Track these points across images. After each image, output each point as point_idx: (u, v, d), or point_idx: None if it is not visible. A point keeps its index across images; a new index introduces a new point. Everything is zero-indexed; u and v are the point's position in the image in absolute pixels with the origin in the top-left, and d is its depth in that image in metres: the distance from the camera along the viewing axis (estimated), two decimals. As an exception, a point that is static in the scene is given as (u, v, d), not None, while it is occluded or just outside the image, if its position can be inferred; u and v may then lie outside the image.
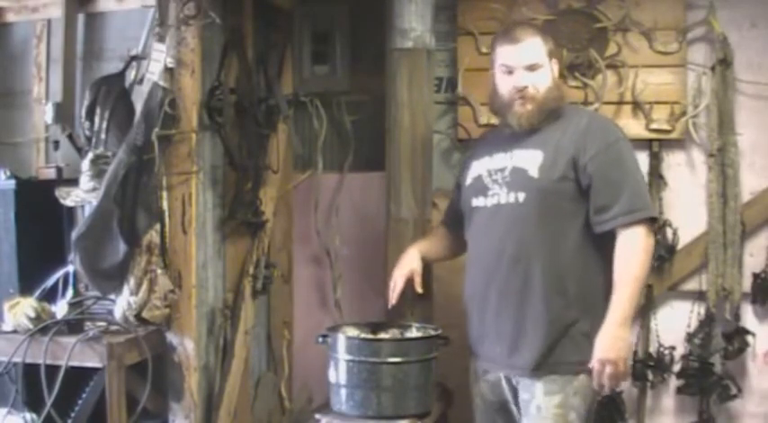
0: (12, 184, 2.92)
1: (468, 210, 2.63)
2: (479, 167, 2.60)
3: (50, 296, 2.84)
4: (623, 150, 2.46)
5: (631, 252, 2.36)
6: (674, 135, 3.31)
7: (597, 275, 2.46)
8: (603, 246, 2.44)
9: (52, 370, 2.57)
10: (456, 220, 2.78)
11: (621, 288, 2.35)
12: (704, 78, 3.30)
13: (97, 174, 2.75)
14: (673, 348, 3.33)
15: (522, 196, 2.44)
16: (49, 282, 2.86)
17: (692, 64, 3.32)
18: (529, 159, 2.46)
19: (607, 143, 2.43)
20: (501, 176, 2.50)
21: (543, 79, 2.49)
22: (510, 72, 2.50)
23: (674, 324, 3.34)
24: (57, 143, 3.21)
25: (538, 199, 2.42)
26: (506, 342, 2.49)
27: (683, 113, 3.29)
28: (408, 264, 2.81)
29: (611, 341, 2.34)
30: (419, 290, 2.81)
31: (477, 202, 2.57)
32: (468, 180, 2.63)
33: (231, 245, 3.27)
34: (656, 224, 2.64)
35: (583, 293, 2.44)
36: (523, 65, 2.47)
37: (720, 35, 3.25)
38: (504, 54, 2.51)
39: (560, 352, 2.43)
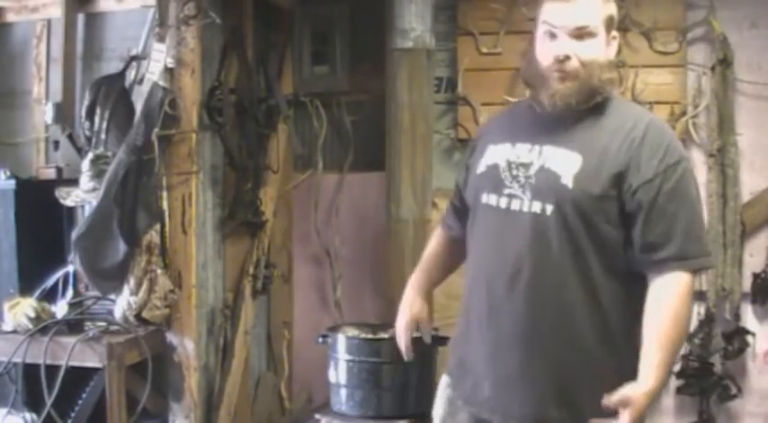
0: (12, 184, 2.92)
1: (474, 203, 2.06)
2: (497, 154, 2.01)
3: (50, 296, 2.84)
4: (686, 176, 1.89)
5: (676, 306, 1.82)
6: (674, 135, 3.31)
7: (629, 315, 1.91)
8: (632, 280, 1.92)
9: (52, 370, 2.57)
10: (461, 214, 2.21)
11: (661, 350, 1.80)
12: (704, 78, 3.30)
13: (97, 174, 2.75)
14: (673, 348, 3.32)
15: (549, 208, 1.87)
16: (49, 282, 2.86)
17: (692, 64, 3.32)
18: (563, 162, 1.89)
19: (667, 165, 1.85)
20: (524, 175, 1.93)
21: (593, 51, 1.89)
22: (553, 35, 1.90)
23: (674, 324, 3.34)
24: (57, 143, 3.21)
25: (570, 215, 1.86)
26: (508, 389, 1.95)
27: (683, 113, 3.29)
28: (408, 310, 2.27)
29: (646, 402, 1.78)
30: (427, 340, 2.36)
31: (489, 198, 1.98)
32: (481, 167, 2.03)
33: (231, 245, 3.27)
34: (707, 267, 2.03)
35: (623, 336, 1.92)
36: (571, 27, 1.88)
37: (720, 35, 3.25)
38: (550, 10, 1.93)
39: (581, 403, 1.89)
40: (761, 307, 3.28)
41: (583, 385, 1.88)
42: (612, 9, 1.94)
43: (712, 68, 3.28)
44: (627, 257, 1.88)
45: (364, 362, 2.66)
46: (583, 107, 1.91)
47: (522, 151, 1.95)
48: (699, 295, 3.32)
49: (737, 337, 3.25)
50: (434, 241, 2.33)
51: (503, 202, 1.95)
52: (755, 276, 3.27)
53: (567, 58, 1.88)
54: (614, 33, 1.95)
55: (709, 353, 3.25)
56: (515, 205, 1.93)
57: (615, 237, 1.87)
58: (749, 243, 3.29)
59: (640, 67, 3.31)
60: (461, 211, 2.18)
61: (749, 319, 3.30)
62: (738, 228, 3.26)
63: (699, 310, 3.32)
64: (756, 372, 3.31)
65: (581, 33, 1.87)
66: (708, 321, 3.28)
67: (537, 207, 1.90)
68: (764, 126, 3.29)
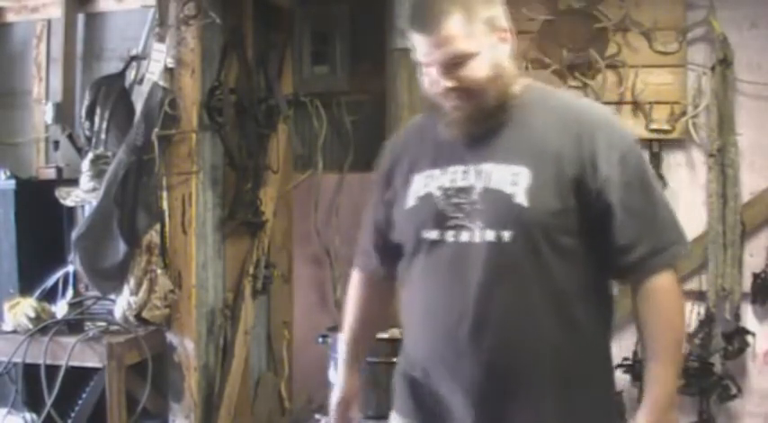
0: (12, 184, 2.92)
1: (412, 242, 1.73)
2: (425, 183, 1.73)
3: (50, 296, 2.84)
4: (643, 160, 1.70)
5: (665, 312, 1.64)
6: (674, 135, 3.31)
7: (605, 343, 1.75)
8: (604, 297, 1.75)
9: (52, 370, 2.57)
10: (387, 254, 1.87)
11: (664, 361, 1.62)
12: (704, 78, 3.30)
13: (97, 174, 2.75)
14: (673, 348, 3.32)
15: (506, 234, 1.61)
16: (49, 282, 2.86)
17: (692, 64, 3.32)
18: (509, 178, 1.63)
19: (622, 154, 1.64)
20: (467, 201, 1.66)
21: (479, 69, 1.63)
22: (430, 66, 1.66)
23: (674, 324, 3.34)
24: (57, 143, 3.21)
25: (533, 238, 1.61)
26: None
27: (683, 113, 3.29)
28: (341, 390, 2.01)
29: None
30: (354, 418, 2.04)
31: (431, 234, 1.69)
32: (411, 200, 1.74)
33: (231, 245, 3.27)
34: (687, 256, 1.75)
35: (597, 382, 1.72)
36: (441, 61, 1.63)
37: (720, 35, 3.25)
38: (416, 44, 1.67)
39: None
40: (761, 307, 3.28)
41: (583, 409, 1.67)
42: (490, 9, 1.67)
43: (712, 68, 3.28)
44: (595, 269, 1.67)
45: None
46: (493, 121, 1.68)
47: (457, 175, 1.69)
48: (699, 295, 3.32)
49: (737, 337, 3.25)
50: (357, 295, 1.96)
51: (449, 236, 1.67)
52: (755, 276, 3.27)
53: (450, 89, 1.64)
54: (503, 28, 1.68)
55: (709, 353, 3.25)
56: (464, 237, 1.65)
57: (577, 250, 1.65)
58: (749, 243, 3.29)
59: (640, 67, 3.31)
60: (386, 251, 1.86)
61: (749, 319, 3.30)
62: (738, 228, 3.26)
63: (699, 310, 3.32)
64: (756, 372, 3.31)
65: (457, 60, 1.62)
66: (708, 321, 3.28)
67: (491, 235, 1.62)
68: (764, 126, 3.29)
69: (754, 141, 3.29)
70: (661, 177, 3.33)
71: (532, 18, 3.35)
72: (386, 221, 1.84)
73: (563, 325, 1.64)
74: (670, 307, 1.65)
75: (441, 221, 1.68)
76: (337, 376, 2.01)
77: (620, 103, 3.33)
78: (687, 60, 3.31)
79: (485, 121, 1.67)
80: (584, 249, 1.65)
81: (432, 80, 1.67)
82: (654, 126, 3.30)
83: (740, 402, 3.29)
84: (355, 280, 1.97)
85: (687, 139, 3.31)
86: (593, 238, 1.65)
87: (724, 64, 3.25)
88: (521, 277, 1.62)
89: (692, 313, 3.34)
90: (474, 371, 1.64)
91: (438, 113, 1.72)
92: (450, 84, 1.63)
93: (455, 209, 1.67)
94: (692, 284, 3.34)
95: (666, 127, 3.30)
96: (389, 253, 1.84)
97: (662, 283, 1.64)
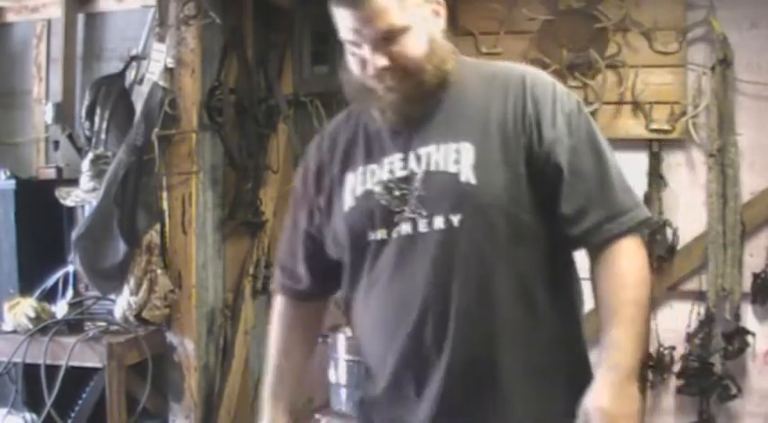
0: (12, 184, 2.92)
1: (356, 247, 1.54)
2: (362, 180, 1.55)
3: (50, 296, 2.84)
4: (589, 120, 1.54)
5: (626, 271, 1.44)
6: (674, 135, 3.31)
7: (576, 327, 1.57)
8: (571, 279, 1.58)
9: (52, 370, 2.57)
10: (319, 272, 1.66)
11: (621, 322, 1.41)
12: (704, 78, 3.29)
13: (97, 174, 2.75)
14: (673, 348, 3.32)
15: (456, 218, 1.44)
16: (49, 282, 2.86)
17: (692, 64, 3.32)
18: (452, 156, 1.48)
19: (567, 115, 1.49)
20: (409, 189, 1.48)
21: (413, 44, 1.48)
22: (359, 45, 1.49)
23: (674, 324, 3.34)
24: (57, 143, 3.21)
25: (487, 219, 1.45)
26: None
27: (683, 113, 3.29)
28: None
29: (616, 396, 1.40)
30: None
31: (378, 234, 1.50)
32: (349, 201, 1.55)
33: (231, 245, 3.27)
34: (649, 226, 1.67)
35: (572, 370, 1.53)
36: (372, 37, 1.46)
37: (720, 35, 3.24)
38: (341, 22, 1.52)
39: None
40: (761, 307, 3.28)
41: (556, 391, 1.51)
42: None
43: (712, 68, 3.28)
44: (558, 247, 1.51)
45: (364, 362, 2.66)
46: (431, 101, 1.52)
47: (395, 165, 1.52)
48: (699, 295, 3.32)
49: (737, 337, 3.25)
50: (283, 323, 1.72)
51: (397, 232, 1.48)
52: (755, 276, 3.26)
53: (384, 68, 1.47)
54: (433, 2, 1.53)
55: (709, 353, 3.25)
56: (411, 229, 1.47)
57: (536, 227, 1.48)
58: (749, 243, 3.29)
59: (640, 67, 3.31)
60: (318, 266, 1.65)
61: (749, 319, 3.30)
62: (738, 228, 3.25)
63: (699, 310, 3.32)
64: (756, 372, 3.30)
65: (390, 35, 1.46)
66: (708, 321, 3.28)
67: (439, 222, 1.45)
68: (764, 126, 3.29)
69: (754, 141, 3.29)
70: (661, 177, 3.34)
71: (532, 18, 3.35)
72: (318, 230, 1.63)
73: (530, 314, 1.48)
74: (630, 267, 1.45)
75: (387, 219, 1.49)
76: (263, 415, 1.71)
77: (620, 103, 3.33)
78: (687, 60, 3.31)
79: (422, 102, 1.51)
80: (543, 226, 1.48)
81: (361, 61, 1.49)
82: (654, 126, 3.30)
83: (740, 402, 3.29)
84: (279, 306, 1.72)
85: (687, 139, 3.31)
86: (550, 211, 1.47)
87: (724, 64, 3.25)
88: (479, 266, 1.45)
89: (693, 313, 3.34)
90: (443, 375, 1.47)
91: (368, 101, 1.54)
92: (383, 62, 1.46)
93: (400, 202, 1.49)
94: (693, 284, 3.35)
95: (666, 127, 3.30)
96: (322, 268, 1.64)
97: (621, 247, 1.45)
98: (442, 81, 1.51)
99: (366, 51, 1.48)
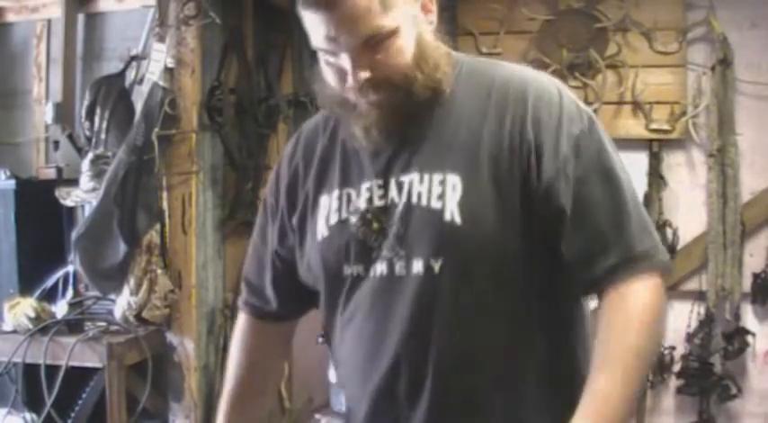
0: (12, 184, 2.92)
1: (331, 280, 1.36)
2: (337, 206, 1.35)
3: (50, 296, 2.84)
4: (602, 143, 1.28)
5: (632, 314, 1.19)
6: (674, 135, 3.31)
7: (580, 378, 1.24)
8: (571, 332, 1.34)
9: (52, 370, 2.57)
10: (289, 295, 1.49)
11: (614, 369, 1.17)
12: (704, 78, 3.30)
13: (97, 174, 2.75)
14: (673, 348, 3.33)
15: (437, 264, 1.24)
16: (49, 282, 2.85)
17: (692, 64, 3.32)
18: (436, 189, 1.26)
19: (575, 136, 1.25)
20: (388, 223, 1.28)
21: (401, 49, 1.24)
22: (335, 54, 1.25)
23: (674, 324, 3.34)
24: (57, 143, 3.21)
25: (471, 267, 1.24)
26: None
27: (683, 113, 3.29)
28: None
29: None
30: None
31: (354, 269, 1.32)
32: (322, 228, 1.35)
33: (231, 245, 3.27)
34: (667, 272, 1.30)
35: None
36: (354, 44, 1.22)
37: (720, 35, 3.25)
38: (314, 30, 1.24)
39: None
40: (761, 307, 3.28)
41: None
42: None
43: (712, 68, 3.28)
44: (564, 283, 1.27)
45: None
46: (419, 113, 1.29)
47: (374, 192, 1.31)
48: (699, 295, 3.33)
49: (737, 337, 3.25)
50: (246, 347, 1.53)
51: (374, 270, 1.29)
52: (755, 276, 3.27)
53: (367, 81, 1.22)
54: None
55: (709, 353, 3.25)
56: (389, 270, 1.28)
57: (530, 275, 1.26)
58: (749, 243, 3.30)
59: (640, 67, 3.32)
60: (288, 288, 1.47)
61: (749, 319, 3.31)
62: (738, 228, 3.26)
63: (699, 310, 3.32)
64: (756, 372, 3.31)
65: (371, 42, 1.22)
66: (708, 321, 3.28)
67: (418, 266, 1.25)
68: (764, 126, 3.29)
69: (755, 141, 3.29)
70: (661, 177, 3.34)
71: (532, 18, 3.36)
72: (290, 253, 1.43)
73: (522, 371, 1.28)
74: (638, 311, 1.19)
75: (363, 254, 1.30)
76: None
77: (620, 103, 3.34)
78: (687, 60, 3.32)
79: (411, 119, 1.28)
80: (541, 273, 1.27)
81: (339, 71, 1.25)
82: (654, 126, 3.31)
83: (740, 402, 3.29)
84: (242, 326, 1.54)
85: (687, 139, 3.31)
86: (551, 255, 1.24)
87: (724, 64, 3.26)
88: (461, 320, 1.25)
89: (693, 313, 3.34)
90: None
91: (348, 117, 1.31)
92: (365, 74, 1.22)
93: (377, 236, 1.29)
94: (693, 284, 3.35)
95: (666, 127, 3.30)
96: (292, 290, 1.45)
97: (632, 289, 1.20)
98: (434, 92, 1.28)
99: (344, 61, 1.23)
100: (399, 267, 1.27)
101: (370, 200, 1.31)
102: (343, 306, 1.35)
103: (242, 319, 1.55)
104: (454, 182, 1.25)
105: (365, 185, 1.32)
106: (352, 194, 1.33)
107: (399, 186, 1.28)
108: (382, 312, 1.29)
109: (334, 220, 1.34)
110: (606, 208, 1.23)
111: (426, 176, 1.27)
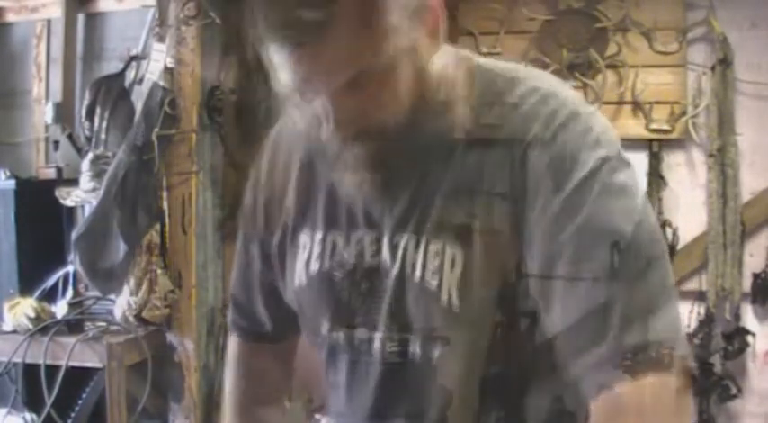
0: (12, 184, 2.92)
1: (311, 331, 1.21)
2: (319, 252, 1.15)
3: (50, 296, 2.84)
4: (614, 185, 0.99)
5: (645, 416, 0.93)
6: (674, 135, 3.31)
7: None
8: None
9: (52, 370, 2.57)
10: (282, 317, 1.29)
11: None
12: (704, 78, 3.30)
13: (97, 174, 2.75)
14: (673, 348, 3.32)
15: (434, 352, 1.07)
16: (49, 282, 2.85)
17: (692, 64, 3.32)
18: (432, 261, 1.06)
19: (572, 184, 0.98)
20: (378, 291, 1.11)
21: (395, 79, 0.98)
22: (308, 97, 1.00)
23: (674, 324, 3.34)
24: (57, 143, 3.21)
25: (468, 353, 1.06)
26: None
27: (683, 113, 3.29)
28: None
29: None
30: None
31: (331, 334, 1.16)
32: (300, 275, 1.17)
33: (231, 245, 3.26)
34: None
35: None
36: (334, 87, 0.96)
37: (720, 35, 3.25)
38: (284, 62, 0.97)
39: None
40: (761, 307, 3.28)
41: None
42: None
43: (712, 68, 3.28)
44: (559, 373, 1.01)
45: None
46: (417, 155, 1.05)
47: (366, 248, 1.11)
48: (699, 295, 3.33)
49: (737, 337, 3.25)
50: (242, 372, 1.39)
51: (359, 339, 1.13)
52: (755, 276, 3.27)
53: (350, 122, 0.98)
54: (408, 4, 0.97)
55: (709, 353, 3.25)
56: (370, 348, 1.11)
57: (537, 354, 1.05)
58: (749, 243, 3.30)
59: (640, 67, 3.32)
60: (280, 310, 1.28)
61: (749, 319, 3.30)
62: (738, 228, 3.26)
63: (699, 310, 3.32)
64: (756, 372, 3.31)
65: (357, 83, 0.95)
66: (708, 321, 3.28)
67: (412, 352, 1.08)
68: (764, 126, 3.29)
69: (755, 141, 3.29)
70: (661, 177, 3.34)
71: (532, 18, 3.36)
72: (276, 276, 1.24)
73: None
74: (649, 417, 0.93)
75: (346, 319, 1.13)
76: None
77: (620, 103, 3.34)
78: (687, 60, 3.32)
79: (410, 173, 1.06)
80: (544, 350, 1.03)
81: (313, 119, 1.02)
82: (654, 126, 3.31)
83: (740, 402, 3.29)
84: (235, 349, 1.37)
85: (687, 139, 3.31)
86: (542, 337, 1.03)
87: (724, 64, 3.26)
88: (456, 409, 1.08)
89: (693, 313, 3.34)
90: None
91: (328, 164, 1.09)
92: (348, 115, 0.98)
93: (364, 302, 1.11)
94: (693, 284, 3.35)
95: (666, 127, 3.30)
96: (288, 310, 1.24)
97: (641, 387, 0.92)
98: (439, 139, 1.05)
99: (319, 107, 0.99)
100: (389, 349, 1.10)
101: (360, 255, 1.11)
102: (327, 353, 1.19)
103: (235, 343, 1.37)
104: (453, 256, 1.04)
105: (355, 236, 1.11)
106: (339, 242, 1.13)
107: (393, 248, 1.08)
108: (365, 389, 1.14)
109: (314, 268, 1.14)
110: (608, 278, 0.98)
111: (422, 243, 1.06)
